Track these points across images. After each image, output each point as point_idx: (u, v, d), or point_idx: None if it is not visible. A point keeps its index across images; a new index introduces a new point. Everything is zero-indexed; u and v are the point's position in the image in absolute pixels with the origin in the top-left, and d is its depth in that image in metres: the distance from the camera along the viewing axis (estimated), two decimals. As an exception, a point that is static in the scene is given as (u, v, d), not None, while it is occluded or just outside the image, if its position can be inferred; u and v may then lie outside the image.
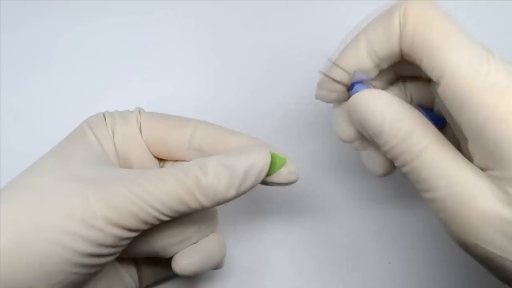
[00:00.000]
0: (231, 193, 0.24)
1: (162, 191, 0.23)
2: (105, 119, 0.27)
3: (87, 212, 0.23)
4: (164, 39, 0.36)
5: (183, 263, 0.26)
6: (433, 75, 0.22)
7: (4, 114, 0.34)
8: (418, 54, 0.22)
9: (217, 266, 0.28)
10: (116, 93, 0.35)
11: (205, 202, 0.24)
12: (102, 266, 0.24)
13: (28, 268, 0.22)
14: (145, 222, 0.24)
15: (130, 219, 0.23)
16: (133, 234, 0.24)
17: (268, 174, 0.26)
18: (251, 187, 0.25)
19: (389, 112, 0.23)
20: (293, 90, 0.35)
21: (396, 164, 0.24)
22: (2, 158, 0.33)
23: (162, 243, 0.26)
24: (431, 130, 0.23)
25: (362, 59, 0.24)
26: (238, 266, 0.32)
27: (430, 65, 0.22)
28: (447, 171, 0.22)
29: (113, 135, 0.27)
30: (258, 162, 0.25)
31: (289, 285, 0.32)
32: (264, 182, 0.26)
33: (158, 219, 0.24)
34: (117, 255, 0.24)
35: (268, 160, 0.25)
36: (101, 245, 0.23)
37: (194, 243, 0.27)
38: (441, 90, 0.22)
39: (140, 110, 0.28)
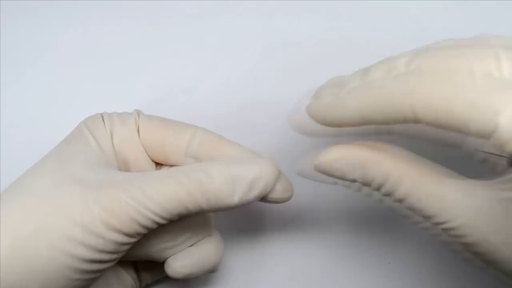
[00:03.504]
0: (235, 201, 0.24)
1: (163, 195, 0.23)
2: (103, 120, 0.27)
3: (87, 217, 0.22)
4: (165, 39, 0.36)
5: (175, 265, 0.26)
6: None
7: (4, 114, 0.34)
8: None
9: (212, 270, 0.28)
10: (116, 92, 0.35)
11: (206, 206, 0.24)
12: (103, 271, 0.24)
13: (30, 273, 0.22)
14: (145, 227, 0.23)
15: (129, 224, 0.23)
16: (133, 240, 0.24)
17: None
18: (256, 199, 0.25)
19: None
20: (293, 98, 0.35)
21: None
22: (2, 158, 0.33)
23: (156, 247, 0.26)
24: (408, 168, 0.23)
25: None
26: (236, 269, 0.32)
27: None
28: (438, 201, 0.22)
29: (111, 137, 0.27)
30: (266, 174, 0.24)
31: (288, 285, 0.32)
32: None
33: (157, 223, 0.24)
34: (117, 260, 0.24)
35: (276, 174, 0.25)
36: (101, 251, 0.23)
37: (190, 246, 0.27)
38: None
39: (139, 112, 0.28)
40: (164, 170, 0.25)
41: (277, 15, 0.37)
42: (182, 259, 0.26)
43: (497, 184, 0.22)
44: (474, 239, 0.22)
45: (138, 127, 0.27)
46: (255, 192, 0.24)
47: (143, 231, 0.24)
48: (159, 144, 0.27)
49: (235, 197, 0.24)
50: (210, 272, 0.28)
